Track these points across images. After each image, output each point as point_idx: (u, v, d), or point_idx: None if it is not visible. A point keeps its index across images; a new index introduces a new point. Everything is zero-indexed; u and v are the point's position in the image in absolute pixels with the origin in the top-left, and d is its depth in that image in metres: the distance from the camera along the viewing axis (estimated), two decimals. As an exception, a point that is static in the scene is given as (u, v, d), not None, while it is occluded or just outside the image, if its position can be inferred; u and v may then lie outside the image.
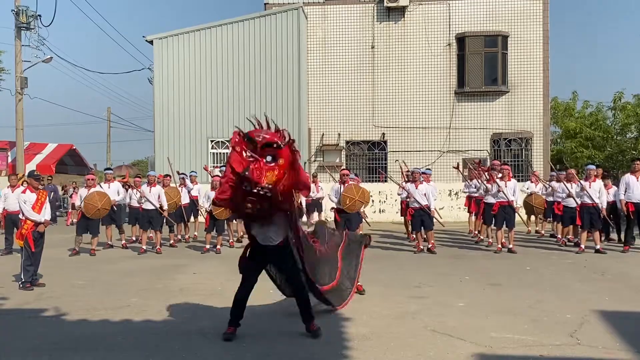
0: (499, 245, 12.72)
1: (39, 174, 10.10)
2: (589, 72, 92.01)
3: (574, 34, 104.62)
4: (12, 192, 12.48)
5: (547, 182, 15.48)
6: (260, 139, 5.50)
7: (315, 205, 18.28)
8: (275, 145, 5.50)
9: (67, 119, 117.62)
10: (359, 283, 7.91)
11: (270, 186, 5.40)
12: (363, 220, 13.63)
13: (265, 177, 5.39)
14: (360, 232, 14.43)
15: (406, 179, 14.15)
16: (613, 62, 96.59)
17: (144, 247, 13.14)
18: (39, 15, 23.24)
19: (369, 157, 22.26)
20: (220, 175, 14.77)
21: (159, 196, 13.26)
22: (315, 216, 18.89)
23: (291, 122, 20.98)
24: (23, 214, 9.14)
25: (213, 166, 20.01)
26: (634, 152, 24.46)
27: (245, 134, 5.59)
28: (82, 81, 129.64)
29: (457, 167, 16.65)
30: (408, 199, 13.27)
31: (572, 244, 13.47)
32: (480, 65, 21.58)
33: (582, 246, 12.55)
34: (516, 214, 13.14)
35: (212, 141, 21.49)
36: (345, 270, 7.44)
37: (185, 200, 14.86)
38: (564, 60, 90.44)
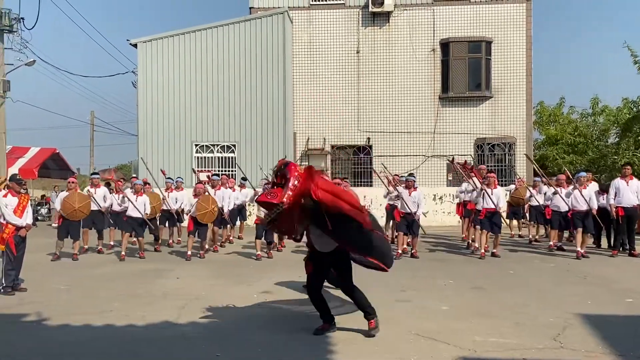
0: (482, 251, 12.69)
1: (21, 178, 10.00)
2: (577, 78, 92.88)
3: (560, 38, 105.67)
4: (-6, 196, 12.31)
5: (531, 186, 15.58)
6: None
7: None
8: (279, 171, 6.23)
9: (50, 122, 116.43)
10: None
11: (280, 204, 5.93)
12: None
13: (277, 197, 5.97)
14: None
15: (391, 183, 14.18)
16: (601, 67, 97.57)
17: (124, 252, 12.88)
18: (22, 18, 22.94)
19: (354, 162, 22.29)
20: (206, 180, 14.80)
21: (144, 205, 13.04)
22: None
23: (276, 127, 20.98)
24: (4, 218, 9.02)
25: (199, 170, 19.93)
26: (615, 157, 24.66)
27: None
28: (66, 84, 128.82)
29: (452, 162, 16.53)
30: (394, 202, 13.32)
31: (555, 248, 13.56)
32: (464, 70, 21.73)
33: (581, 250, 12.61)
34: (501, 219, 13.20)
35: (196, 145, 21.40)
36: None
37: (172, 206, 14.53)
38: (553, 65, 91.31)
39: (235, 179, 16.73)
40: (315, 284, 6.59)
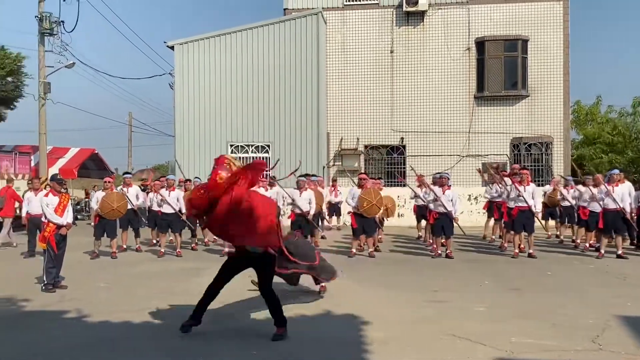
0: (516, 250, 12.60)
1: (62, 177, 10.24)
2: (615, 76, 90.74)
3: (597, 36, 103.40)
4: (35, 195, 12.64)
5: (565, 187, 15.33)
6: None
7: (334, 209, 18.32)
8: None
9: (89, 123, 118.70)
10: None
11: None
12: (380, 226, 13.69)
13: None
14: (380, 236, 14.48)
15: (425, 184, 14.09)
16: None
17: (163, 250, 13.24)
18: (62, 21, 23.48)
19: (388, 162, 22.22)
20: None
21: (177, 199, 13.35)
22: (334, 220, 18.94)
23: (310, 127, 21.04)
24: (46, 217, 9.26)
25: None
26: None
27: None
28: (104, 86, 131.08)
29: (480, 171, 16.52)
30: (426, 204, 13.21)
31: (593, 249, 13.34)
32: (500, 69, 21.48)
33: (602, 251, 12.43)
34: (535, 219, 13.02)
35: (231, 145, 21.59)
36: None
37: None
38: (590, 63, 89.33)
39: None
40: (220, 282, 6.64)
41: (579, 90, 77.12)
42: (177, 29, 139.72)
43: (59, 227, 9.22)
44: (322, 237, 15.17)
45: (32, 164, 22.43)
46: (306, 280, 8.50)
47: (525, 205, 12.46)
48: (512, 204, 12.72)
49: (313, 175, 15.62)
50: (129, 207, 13.60)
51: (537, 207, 13.10)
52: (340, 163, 22.08)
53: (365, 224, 12.58)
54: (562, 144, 21.44)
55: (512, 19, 21.57)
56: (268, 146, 21.34)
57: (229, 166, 6.15)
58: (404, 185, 19.91)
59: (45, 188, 11.75)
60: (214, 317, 7.20)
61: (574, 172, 18.82)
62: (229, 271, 6.63)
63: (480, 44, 21.60)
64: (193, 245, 14.34)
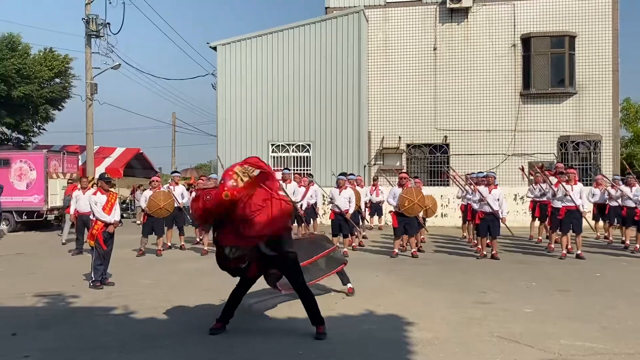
0: (564, 251, 12.31)
1: (109, 176, 10.43)
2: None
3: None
4: (84, 194, 12.92)
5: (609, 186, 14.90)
6: None
7: (376, 208, 18.22)
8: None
9: (134, 123, 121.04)
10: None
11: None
12: (422, 226, 13.54)
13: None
14: (422, 236, 14.33)
15: (471, 183, 13.85)
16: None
17: (206, 248, 13.36)
18: (108, 23, 23.99)
19: (431, 161, 21.99)
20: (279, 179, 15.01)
21: None
22: (375, 220, 18.84)
23: (351, 125, 20.99)
24: (94, 215, 9.44)
25: (274, 169, 20.18)
26: None
27: None
28: (149, 87, 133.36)
29: (523, 169, 16.23)
30: (474, 203, 12.97)
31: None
32: (546, 66, 21.05)
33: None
34: (584, 219, 12.69)
35: (272, 145, 21.70)
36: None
37: None
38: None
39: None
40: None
41: (629, 87, 75.00)
42: (219, 30, 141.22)
43: (106, 225, 9.40)
44: (364, 237, 15.09)
45: (80, 163, 22.96)
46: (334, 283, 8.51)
47: (573, 205, 12.17)
48: (558, 204, 12.43)
49: (350, 175, 15.54)
50: (175, 205, 13.79)
51: (585, 207, 12.79)
52: (381, 162, 21.96)
53: (407, 223, 12.45)
54: (611, 142, 20.88)
55: (558, 14, 21.10)
56: (309, 145, 21.37)
57: (236, 180, 6.11)
58: (447, 185, 19.71)
59: (93, 187, 11.98)
60: (251, 315, 7.23)
61: (624, 170, 18.29)
62: (252, 275, 6.68)
63: (526, 41, 21.20)
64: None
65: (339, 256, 8.56)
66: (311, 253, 7.96)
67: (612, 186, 14.71)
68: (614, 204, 14.48)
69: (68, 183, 18.77)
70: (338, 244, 12.69)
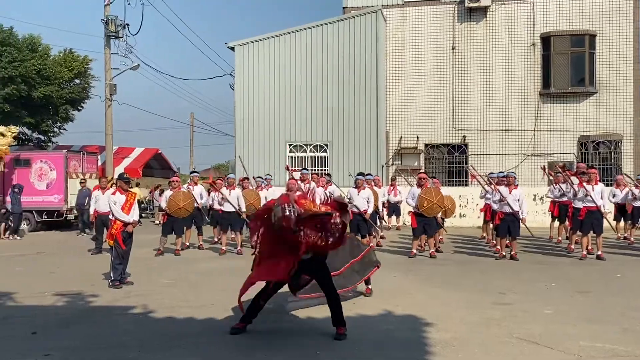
0: (584, 252, 12.17)
1: (128, 176, 10.50)
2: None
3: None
4: (103, 194, 13.01)
5: (633, 186, 14.71)
6: None
7: (394, 209, 18.17)
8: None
9: (152, 124, 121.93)
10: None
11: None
12: (441, 226, 13.45)
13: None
14: (440, 237, 14.24)
15: (492, 183, 13.73)
16: None
17: (224, 247, 13.43)
18: (127, 24, 24.20)
19: (449, 161, 21.88)
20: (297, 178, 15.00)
21: (237, 198, 13.52)
22: (393, 220, 18.79)
23: (369, 125, 20.94)
24: (113, 215, 9.51)
25: (292, 169, 20.22)
26: None
27: None
28: (167, 87, 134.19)
29: (544, 169, 16.05)
30: (494, 203, 12.85)
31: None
32: (566, 65, 20.84)
33: None
34: (605, 220, 12.54)
35: (290, 145, 21.72)
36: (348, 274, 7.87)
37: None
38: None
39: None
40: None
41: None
42: (237, 30, 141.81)
43: (125, 224, 9.46)
44: (382, 237, 15.05)
45: (99, 163, 23.17)
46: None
47: (594, 205, 12.03)
48: (579, 204, 12.30)
49: (368, 175, 15.51)
50: (194, 205, 13.84)
51: (606, 207, 12.62)
52: (399, 162, 21.88)
53: (426, 223, 12.40)
54: (632, 142, 20.62)
55: (578, 12, 20.89)
56: (327, 145, 21.36)
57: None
58: (465, 185, 19.59)
59: (112, 187, 12.07)
60: (272, 315, 7.23)
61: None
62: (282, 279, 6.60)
63: (546, 40, 21.01)
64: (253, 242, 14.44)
65: (374, 258, 8.38)
66: (347, 257, 7.86)
67: (637, 186, 14.52)
68: (638, 204, 14.29)
69: (80, 183, 18.93)
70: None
